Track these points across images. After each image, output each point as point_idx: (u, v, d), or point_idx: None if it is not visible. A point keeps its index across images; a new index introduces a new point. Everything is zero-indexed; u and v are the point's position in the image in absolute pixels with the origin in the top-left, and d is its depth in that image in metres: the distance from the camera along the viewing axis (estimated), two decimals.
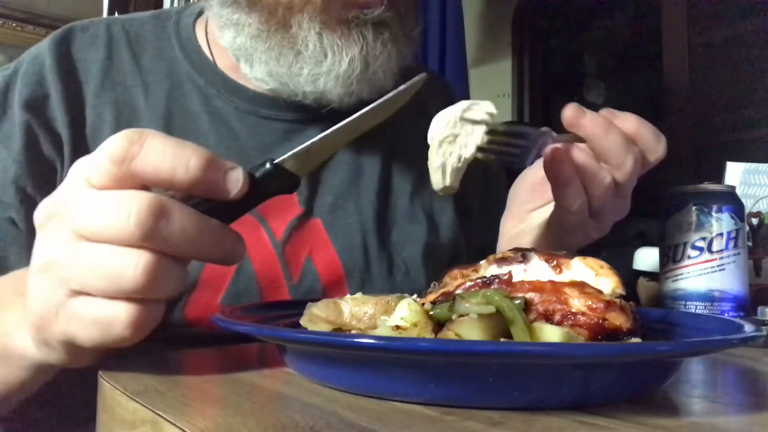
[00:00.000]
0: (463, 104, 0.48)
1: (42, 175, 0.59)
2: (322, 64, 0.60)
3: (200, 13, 0.73)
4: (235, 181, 0.36)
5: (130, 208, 0.33)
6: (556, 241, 0.58)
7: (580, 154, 0.51)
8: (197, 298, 0.57)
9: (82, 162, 0.37)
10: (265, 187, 0.39)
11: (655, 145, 0.53)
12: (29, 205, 0.58)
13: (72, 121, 0.61)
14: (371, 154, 0.71)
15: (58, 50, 0.64)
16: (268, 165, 0.39)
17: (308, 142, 0.40)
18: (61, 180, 0.57)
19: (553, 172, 0.52)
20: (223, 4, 0.63)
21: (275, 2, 0.60)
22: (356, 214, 0.68)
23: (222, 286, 0.59)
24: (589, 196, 0.53)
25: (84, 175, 0.36)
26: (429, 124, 0.47)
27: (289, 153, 0.40)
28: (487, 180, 0.85)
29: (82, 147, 0.61)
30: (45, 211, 0.37)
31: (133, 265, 0.34)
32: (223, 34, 0.64)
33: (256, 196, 0.39)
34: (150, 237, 0.34)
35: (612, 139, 0.51)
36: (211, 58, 0.69)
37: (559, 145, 0.51)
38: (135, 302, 0.35)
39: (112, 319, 0.34)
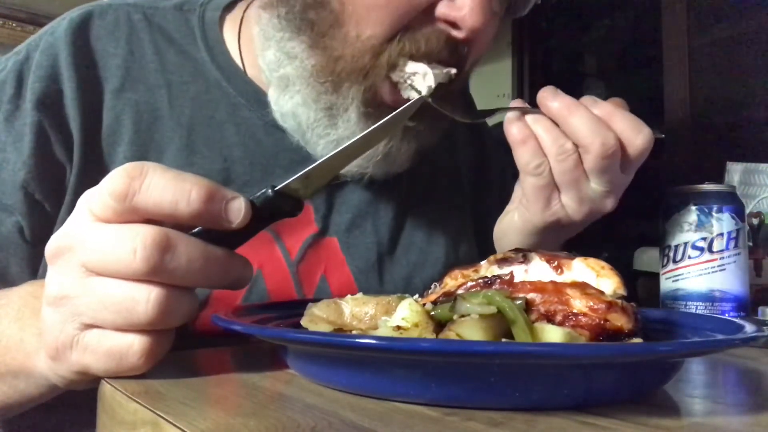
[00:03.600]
0: None
1: (52, 180, 0.57)
2: (348, 139, 0.58)
3: (226, 8, 0.68)
4: (237, 210, 0.37)
5: (136, 243, 0.34)
6: (526, 212, 0.59)
7: (538, 117, 0.54)
8: (207, 314, 0.56)
9: (87, 195, 0.37)
10: (268, 213, 0.39)
11: (632, 134, 0.54)
12: (37, 211, 0.56)
13: (85, 122, 0.58)
14: (394, 177, 0.69)
15: (74, 41, 0.60)
16: (269, 192, 0.39)
17: (308, 168, 0.41)
18: (71, 183, 0.57)
19: (509, 131, 0.55)
20: (281, 27, 0.58)
21: (339, 56, 0.56)
22: (373, 235, 0.67)
23: (233, 304, 0.58)
24: (551, 162, 0.54)
25: (89, 209, 0.36)
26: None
27: (290, 179, 0.40)
28: (503, 188, 0.84)
29: (95, 151, 0.58)
30: (55, 245, 0.37)
31: (144, 299, 0.34)
32: (264, 53, 0.60)
33: (260, 222, 0.39)
34: (157, 271, 0.34)
35: (577, 119, 0.53)
36: (241, 65, 0.65)
37: (517, 109, 0.55)
38: (146, 333, 0.36)
39: (126, 350, 0.35)
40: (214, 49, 0.65)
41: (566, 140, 0.54)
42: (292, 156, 0.63)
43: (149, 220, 0.36)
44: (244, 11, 0.68)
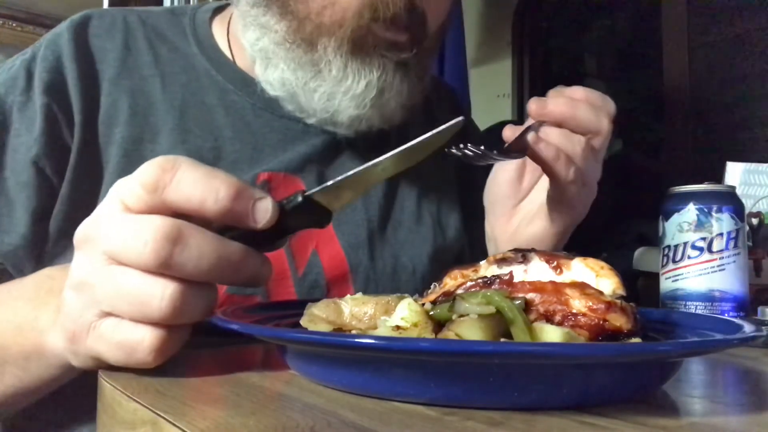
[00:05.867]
0: None
1: (59, 157, 0.60)
2: (341, 84, 0.60)
3: (216, 11, 0.74)
4: (264, 211, 0.37)
5: (147, 235, 0.34)
6: (564, 216, 0.60)
7: (553, 131, 0.55)
8: None
9: (119, 184, 0.37)
10: (295, 218, 0.39)
11: (605, 103, 0.57)
12: (47, 186, 0.59)
13: (85, 106, 0.62)
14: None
15: (75, 37, 0.65)
16: (299, 197, 0.39)
17: (341, 177, 0.39)
18: (71, 162, 0.60)
19: (537, 156, 0.54)
20: (255, 4, 0.63)
21: (305, 16, 0.59)
22: (363, 212, 0.68)
23: None
24: (579, 163, 0.55)
25: (120, 198, 0.36)
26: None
27: (320, 186, 0.39)
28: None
29: (92, 133, 0.62)
30: (83, 232, 0.38)
31: (159, 294, 0.34)
32: (245, 33, 0.64)
33: (286, 228, 0.39)
34: (166, 263, 0.34)
35: (582, 112, 0.55)
36: (230, 56, 0.69)
37: (532, 133, 0.54)
38: (160, 328, 0.35)
39: (136, 344, 0.35)
40: (204, 43, 0.70)
41: (580, 140, 0.55)
42: (280, 136, 0.67)
43: (177, 215, 0.36)
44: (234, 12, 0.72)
